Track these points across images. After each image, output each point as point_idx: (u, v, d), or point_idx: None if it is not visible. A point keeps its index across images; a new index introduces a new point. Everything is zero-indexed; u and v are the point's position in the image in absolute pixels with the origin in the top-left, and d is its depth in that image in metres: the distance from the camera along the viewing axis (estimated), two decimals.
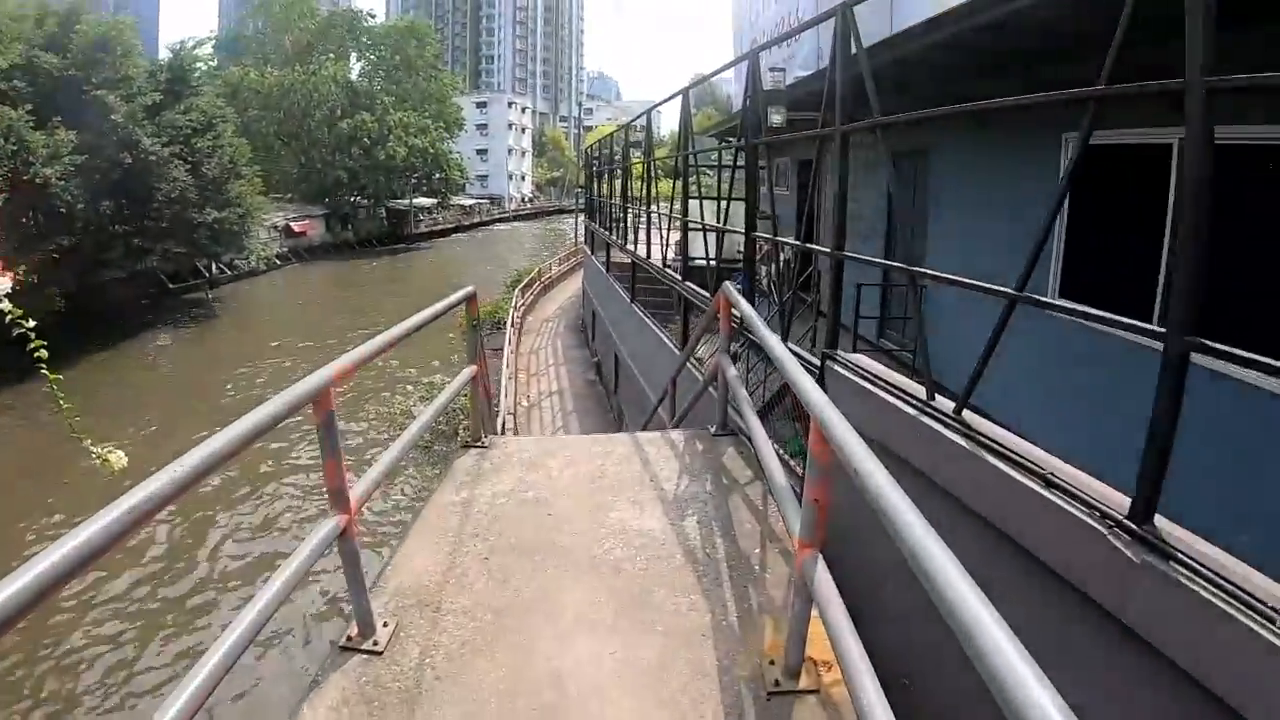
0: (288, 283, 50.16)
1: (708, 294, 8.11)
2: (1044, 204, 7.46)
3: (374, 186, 67.85)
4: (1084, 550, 2.72)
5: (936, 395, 3.68)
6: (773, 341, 3.79)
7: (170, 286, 40.97)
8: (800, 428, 9.31)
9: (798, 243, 5.35)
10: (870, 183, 11.56)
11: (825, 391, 3.35)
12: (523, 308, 28.28)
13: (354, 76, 72.20)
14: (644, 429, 10.17)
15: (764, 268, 14.79)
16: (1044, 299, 2.97)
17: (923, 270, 3.71)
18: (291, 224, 59.23)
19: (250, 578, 14.28)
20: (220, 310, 39.99)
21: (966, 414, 3.46)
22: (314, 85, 65.02)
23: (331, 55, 70.35)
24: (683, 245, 9.67)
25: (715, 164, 15.19)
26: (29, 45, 30.94)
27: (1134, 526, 2.57)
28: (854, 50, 4.42)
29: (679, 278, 9.40)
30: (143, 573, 14.53)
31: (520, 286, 31.10)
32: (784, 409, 9.28)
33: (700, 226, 8.86)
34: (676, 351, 9.15)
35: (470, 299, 5.31)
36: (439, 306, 4.86)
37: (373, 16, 76.47)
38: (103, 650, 12.51)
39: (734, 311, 5.30)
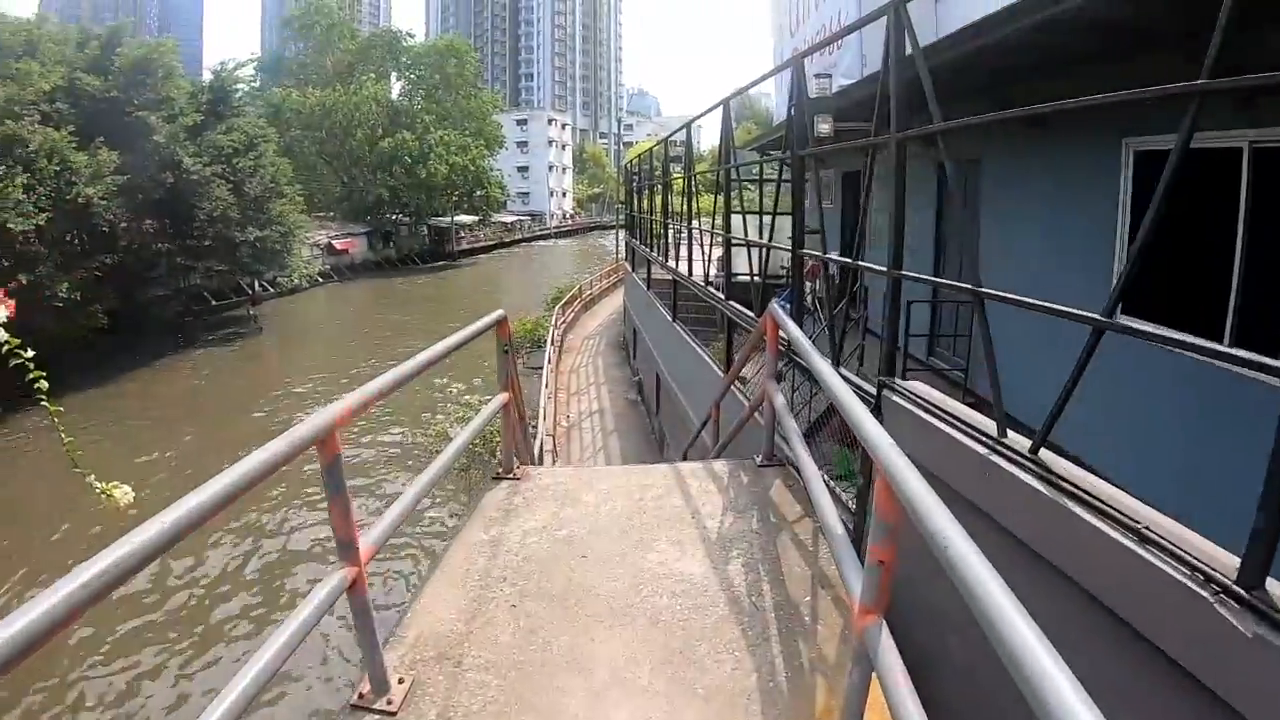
0: (330, 299, 50.83)
1: (753, 314, 7.76)
2: (1103, 214, 7.09)
3: (415, 204, 68.57)
4: (1182, 617, 2.36)
5: (1008, 430, 3.32)
6: (826, 371, 3.46)
7: (213, 303, 41.69)
8: (850, 453, 8.94)
9: (850, 260, 4.99)
10: (917, 192, 11.18)
11: (881, 422, 3.02)
12: (563, 325, 27.99)
13: (394, 96, 72.88)
14: (685, 454, 9.85)
15: (809, 284, 14.40)
16: (1140, 326, 2.59)
17: (992, 292, 3.34)
18: (334, 242, 59.93)
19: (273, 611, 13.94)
20: (262, 327, 40.47)
21: (1044, 454, 3.11)
22: (355, 105, 65.72)
23: (372, 75, 70.96)
24: (725, 262, 9.30)
25: (757, 178, 14.83)
26: (71, 68, 31.59)
27: (1243, 592, 2.21)
28: (908, 51, 4.06)
29: (722, 296, 9.04)
30: (161, 598, 14.20)
31: (561, 304, 30.85)
32: (831, 430, 8.93)
33: (744, 242, 8.47)
34: (720, 373, 8.79)
35: (500, 323, 5.02)
36: (467, 332, 4.59)
37: (411, 36, 77.21)
38: (101, 691, 12.07)
39: (781, 334, 4.98)
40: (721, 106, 8.56)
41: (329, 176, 68.27)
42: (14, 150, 27.26)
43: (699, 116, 10.98)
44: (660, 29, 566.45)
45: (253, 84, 70.94)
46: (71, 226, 29.74)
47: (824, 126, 5.78)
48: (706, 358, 9.91)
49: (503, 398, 5.17)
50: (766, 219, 11.55)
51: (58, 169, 28.02)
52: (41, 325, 26.91)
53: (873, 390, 4.40)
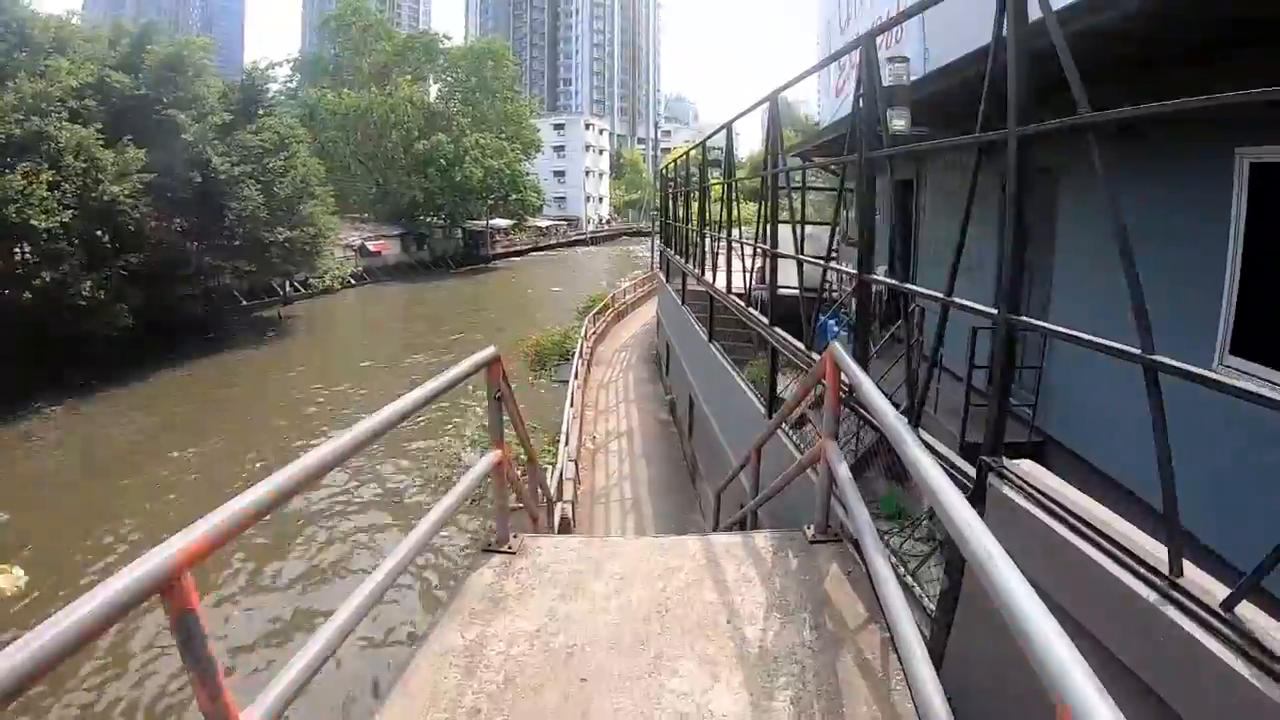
0: (362, 302, 50.68)
1: (802, 346, 6.65)
2: (1207, 239, 5.93)
3: (450, 207, 68.26)
4: None
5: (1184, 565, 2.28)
6: (921, 458, 2.45)
7: (244, 303, 41.81)
8: (902, 489, 7.90)
9: (945, 297, 3.94)
10: (979, 206, 10.11)
11: (982, 516, 2.05)
12: (593, 336, 26.90)
13: (431, 98, 72.46)
14: (719, 496, 8.85)
15: (854, 299, 13.24)
16: None
17: (1175, 364, 2.29)
18: (367, 243, 59.79)
19: None
20: (293, 328, 40.30)
21: (1243, 609, 2.07)
22: (390, 107, 65.56)
23: (408, 77, 70.82)
24: (771, 283, 8.10)
25: (799, 185, 13.77)
26: (101, 65, 31.52)
27: None
28: (1031, 20, 3.01)
29: (765, 320, 7.93)
30: None
31: (592, 313, 29.76)
32: (879, 466, 7.89)
33: (794, 257, 7.23)
34: (760, 408, 7.71)
35: (491, 363, 4.03)
36: (445, 379, 3.61)
37: (449, 39, 76.74)
38: None
39: (843, 378, 3.98)
40: (767, 104, 7.40)
41: (364, 178, 68.23)
42: (40, 147, 27.16)
43: (740, 115, 9.83)
44: (698, 35, 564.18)
45: (289, 84, 71.23)
46: (97, 225, 29.49)
47: (899, 123, 4.66)
48: (746, 389, 8.76)
49: (493, 457, 4.19)
50: (808, 230, 10.57)
51: (84, 166, 27.83)
52: (64, 324, 26.86)
53: (967, 469, 3.37)
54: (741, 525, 7.44)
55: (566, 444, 13.96)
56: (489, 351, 3.99)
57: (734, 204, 10.75)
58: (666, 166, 23.29)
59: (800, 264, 7.12)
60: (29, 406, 25.06)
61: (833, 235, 6.41)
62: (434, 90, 75.09)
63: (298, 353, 35.31)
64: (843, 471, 3.84)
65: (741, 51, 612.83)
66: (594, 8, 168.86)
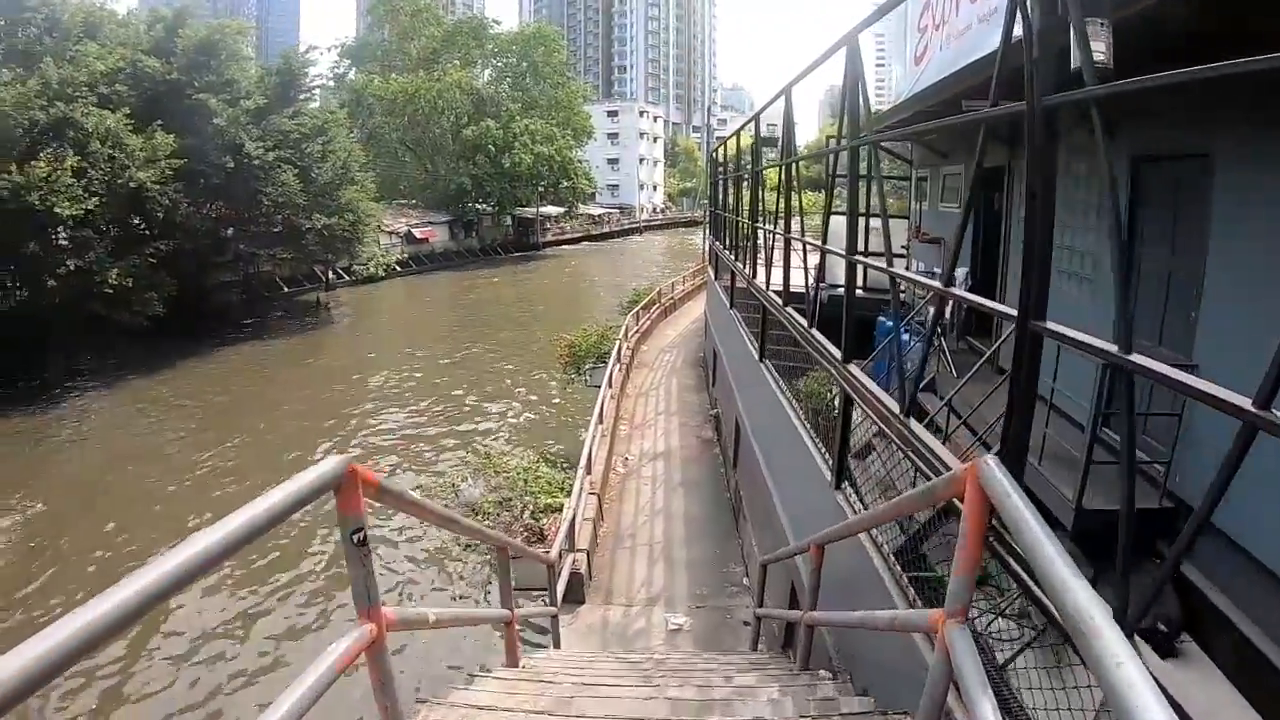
0: (407, 290, 49.75)
1: (889, 400, 4.47)
2: None
3: (499, 194, 67.45)
4: None
5: None
6: None
7: (285, 290, 41.66)
8: (946, 556, 5.86)
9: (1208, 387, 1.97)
10: (1084, 203, 8.12)
11: None
12: (635, 336, 24.92)
13: (481, 83, 71.37)
14: (765, 567, 6.97)
15: (930, 310, 11.20)
16: None
17: None
18: (414, 230, 59.19)
19: None
20: (332, 318, 39.52)
21: None
22: (438, 92, 64.69)
23: (457, 62, 69.96)
24: (848, 301, 5.46)
25: (868, 174, 11.68)
26: (134, 49, 31.00)
27: None
28: None
29: (837, 353, 5.72)
30: None
31: (637, 308, 27.72)
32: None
33: (885, 270, 4.83)
34: (825, 471, 5.60)
35: (340, 485, 2.16)
36: (264, 510, 1.76)
37: (498, 23, 75.75)
38: None
39: (994, 506, 2.05)
40: (845, 49, 5.12)
41: (411, 164, 67.69)
42: (66, 133, 26.60)
43: (806, 72, 7.28)
44: (756, 26, 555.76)
45: (336, 70, 70.92)
46: (125, 212, 28.82)
47: (1099, 46, 2.39)
48: (806, 437, 6.65)
49: (357, 638, 2.33)
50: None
51: (111, 152, 27.07)
52: (93, 311, 26.83)
53: None
54: (789, 632, 5.58)
55: (589, 473, 11.95)
56: (334, 464, 2.10)
57: (793, 190, 8.64)
58: (717, 150, 20.93)
59: (886, 263, 5.10)
60: (57, 394, 24.61)
61: (961, 232, 4.29)
62: (484, 75, 74.03)
63: (333, 344, 34.49)
64: (976, 694, 1.90)
65: (800, 44, 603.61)
66: None
